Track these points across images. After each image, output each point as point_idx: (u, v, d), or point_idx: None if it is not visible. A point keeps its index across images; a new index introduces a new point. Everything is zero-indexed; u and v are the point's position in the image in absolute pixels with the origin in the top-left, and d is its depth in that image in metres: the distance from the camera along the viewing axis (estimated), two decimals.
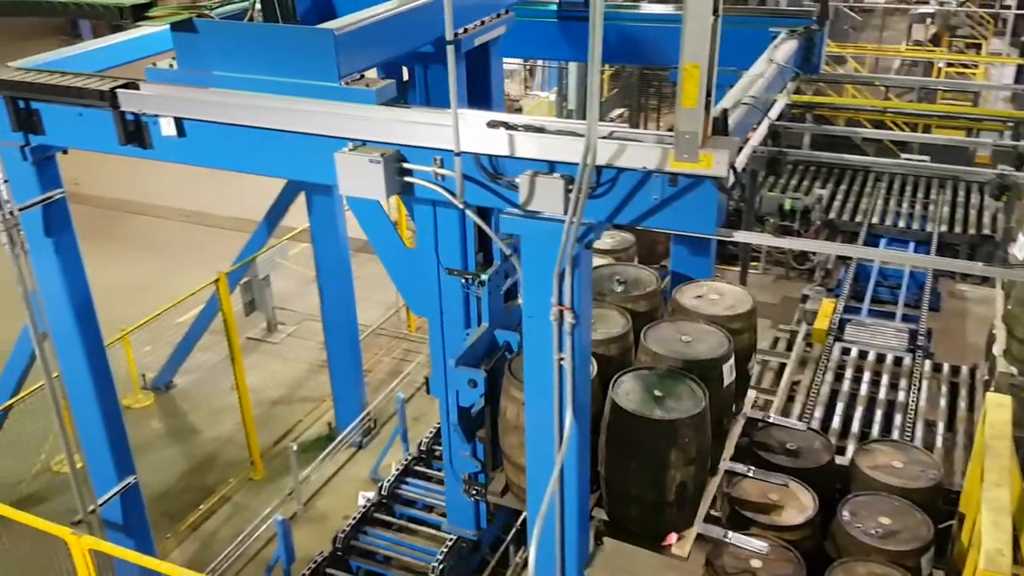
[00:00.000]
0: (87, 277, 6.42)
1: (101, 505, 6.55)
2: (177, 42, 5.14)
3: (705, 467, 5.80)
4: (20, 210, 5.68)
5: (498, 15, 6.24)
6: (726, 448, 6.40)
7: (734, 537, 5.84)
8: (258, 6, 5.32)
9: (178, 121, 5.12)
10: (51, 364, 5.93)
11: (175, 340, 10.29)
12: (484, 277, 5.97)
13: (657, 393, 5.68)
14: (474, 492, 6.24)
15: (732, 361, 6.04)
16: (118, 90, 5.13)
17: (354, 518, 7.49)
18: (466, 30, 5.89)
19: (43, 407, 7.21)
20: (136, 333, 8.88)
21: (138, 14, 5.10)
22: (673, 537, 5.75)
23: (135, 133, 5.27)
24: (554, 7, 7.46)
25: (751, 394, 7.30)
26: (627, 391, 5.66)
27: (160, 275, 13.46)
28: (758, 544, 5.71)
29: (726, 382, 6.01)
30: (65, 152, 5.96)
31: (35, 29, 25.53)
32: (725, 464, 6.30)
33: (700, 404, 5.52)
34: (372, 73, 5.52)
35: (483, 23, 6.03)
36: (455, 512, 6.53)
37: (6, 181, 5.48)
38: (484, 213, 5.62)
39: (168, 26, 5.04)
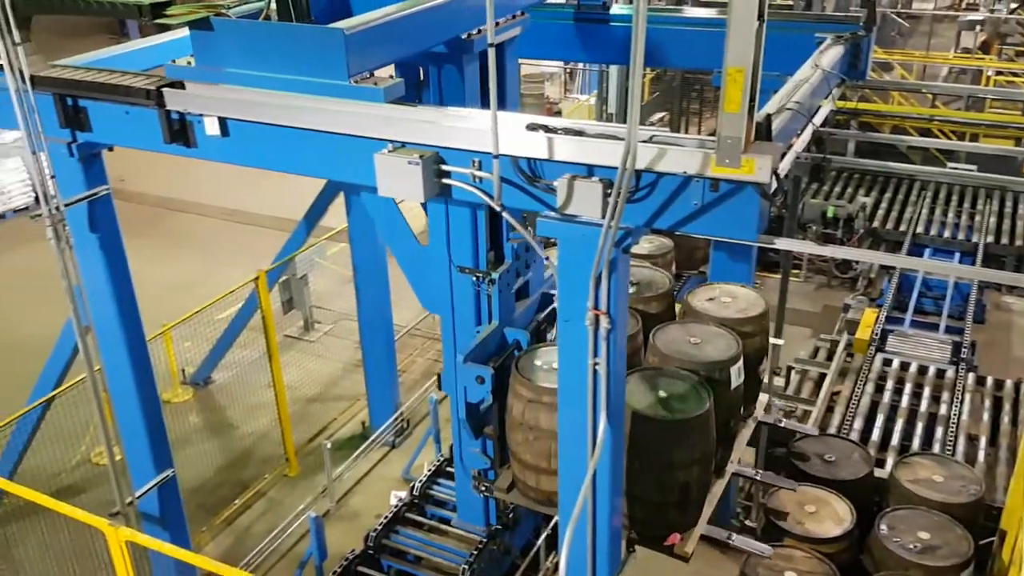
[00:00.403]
0: (130, 272, 6.53)
1: (139, 497, 6.63)
2: (194, 40, 5.23)
3: (709, 468, 5.77)
4: (66, 205, 5.77)
5: (514, 16, 6.30)
6: (734, 451, 6.38)
7: (737, 539, 5.82)
8: (273, 5, 5.40)
9: (222, 121, 5.17)
10: (93, 357, 6.01)
11: (215, 336, 10.42)
12: (494, 276, 6.03)
13: (662, 394, 5.68)
14: (483, 489, 6.30)
15: (740, 364, 6.00)
16: (164, 89, 5.20)
17: (386, 517, 7.51)
18: (480, 31, 5.96)
19: (84, 399, 7.34)
20: (177, 328, 9.00)
21: (156, 12, 5.21)
22: (676, 537, 5.72)
23: (180, 132, 5.34)
24: (571, 9, 7.50)
25: (777, 401, 7.27)
26: (632, 391, 5.62)
27: (201, 272, 13.66)
28: (760, 547, 5.67)
29: (733, 384, 5.97)
30: (111, 149, 6.05)
31: (83, 28, 26.05)
32: (732, 467, 6.29)
33: (704, 405, 5.50)
34: (390, 70, 5.55)
35: (498, 24, 6.07)
36: (465, 508, 6.60)
37: (53, 177, 5.56)
38: (495, 213, 5.72)
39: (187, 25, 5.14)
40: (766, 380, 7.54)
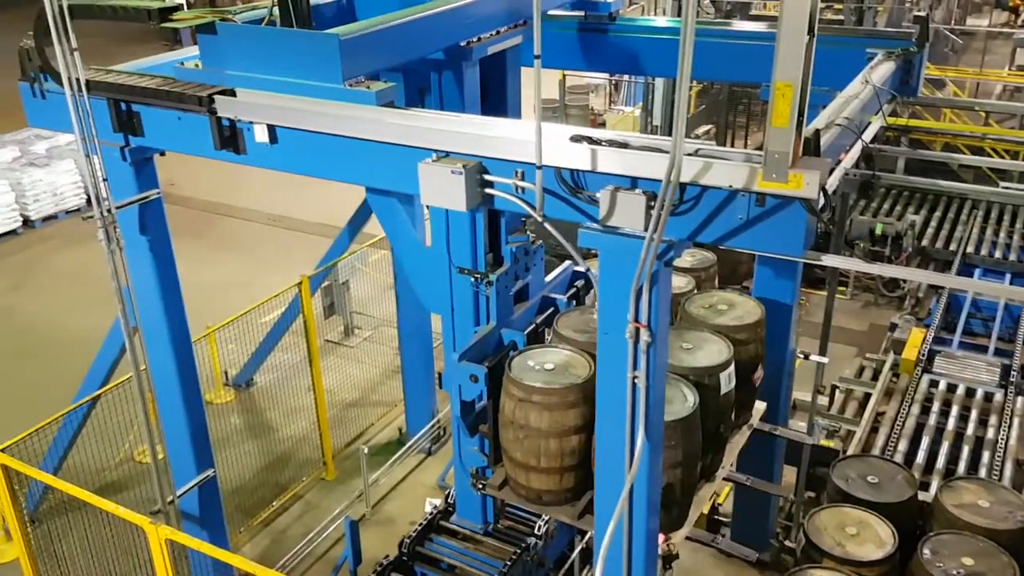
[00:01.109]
0: (178, 275, 6.65)
1: (180, 496, 6.73)
2: (201, 43, 5.49)
3: (694, 471, 5.85)
4: (118, 208, 5.90)
5: (515, 25, 6.44)
6: (727, 456, 6.44)
7: (723, 543, 5.83)
8: (276, 12, 5.61)
9: (271, 128, 5.26)
10: (140, 358, 6.12)
11: (258, 339, 10.55)
12: (492, 278, 6.18)
13: None
14: (480, 487, 6.38)
15: (731, 370, 6.05)
16: (216, 96, 5.30)
17: (420, 524, 7.52)
18: (480, 39, 6.10)
19: (128, 398, 7.47)
20: (221, 330, 9.14)
21: (164, 16, 5.48)
22: (660, 538, 5.79)
23: (230, 138, 5.43)
24: (576, 21, 7.61)
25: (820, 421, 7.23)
26: None
27: (246, 275, 13.86)
28: (745, 551, 5.60)
29: (723, 390, 6.04)
30: (163, 154, 6.18)
31: (137, 34, 26.67)
32: (724, 472, 6.38)
33: (689, 409, 5.59)
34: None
35: (498, 32, 6.25)
36: (464, 505, 6.74)
37: (106, 180, 5.67)
38: (494, 216, 6.09)
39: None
40: (809, 398, 7.44)
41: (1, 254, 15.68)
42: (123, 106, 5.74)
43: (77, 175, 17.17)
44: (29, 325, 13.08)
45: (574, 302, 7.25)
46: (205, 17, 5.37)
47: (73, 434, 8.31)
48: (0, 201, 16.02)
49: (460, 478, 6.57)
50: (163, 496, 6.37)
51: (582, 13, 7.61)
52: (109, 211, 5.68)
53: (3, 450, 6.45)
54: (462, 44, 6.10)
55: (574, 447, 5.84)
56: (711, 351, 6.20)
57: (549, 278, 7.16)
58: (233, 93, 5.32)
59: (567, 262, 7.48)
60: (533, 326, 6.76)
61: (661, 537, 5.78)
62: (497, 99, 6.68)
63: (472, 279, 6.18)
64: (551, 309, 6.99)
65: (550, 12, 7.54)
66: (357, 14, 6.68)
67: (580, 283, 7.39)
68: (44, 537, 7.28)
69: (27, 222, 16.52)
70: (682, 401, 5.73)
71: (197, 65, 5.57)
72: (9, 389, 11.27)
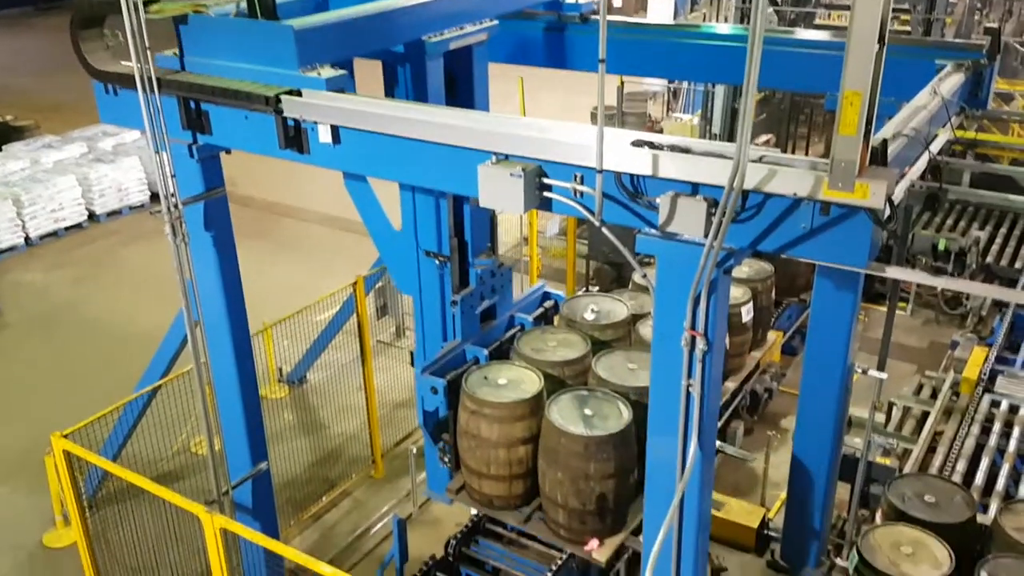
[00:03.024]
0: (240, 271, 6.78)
1: (234, 487, 6.85)
2: (179, 32, 5.87)
3: (627, 482, 6.28)
4: (184, 203, 6.05)
5: (481, 22, 6.65)
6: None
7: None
8: (243, 5, 5.92)
9: (334, 129, 5.35)
10: (201, 351, 6.25)
11: (312, 337, 10.70)
12: (456, 298, 6.91)
13: (587, 412, 6.30)
14: (446, 461, 6.94)
15: None
16: (282, 96, 5.40)
17: (466, 526, 7.55)
18: (441, 34, 6.31)
19: (186, 391, 7.63)
20: (276, 327, 9.29)
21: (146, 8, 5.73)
22: (594, 543, 6.33)
23: (294, 138, 5.53)
24: (545, 21, 7.78)
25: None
26: (561, 408, 6.34)
27: (302, 275, 14.08)
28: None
29: None
30: (228, 152, 6.32)
31: None
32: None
33: (623, 424, 6.12)
34: None
35: (461, 29, 6.49)
36: (434, 480, 7.18)
37: (173, 176, 5.82)
38: (459, 202, 6.63)
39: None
40: (866, 415, 7.31)
41: (67, 247, 16.16)
42: (192, 104, 5.88)
43: (142, 172, 17.62)
44: (93, 317, 13.45)
45: (542, 322, 7.82)
46: (185, 9, 5.79)
47: (132, 424, 8.51)
48: (68, 195, 16.50)
49: (433, 476, 7.16)
50: (219, 487, 6.49)
51: (555, 14, 7.80)
52: (176, 206, 5.82)
53: (65, 436, 6.63)
54: (424, 39, 6.27)
55: (521, 457, 6.47)
56: None
57: (518, 299, 7.80)
58: (299, 93, 5.42)
59: (539, 283, 8.26)
60: (498, 343, 7.35)
61: (595, 542, 6.31)
62: (465, 94, 6.86)
63: (437, 262, 6.72)
64: (515, 328, 7.62)
65: (526, 10, 7.75)
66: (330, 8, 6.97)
67: (549, 303, 7.99)
68: (101, 523, 7.47)
69: (92, 216, 17.01)
70: (618, 417, 6.24)
71: (175, 53, 5.96)
72: (72, 379, 11.61)
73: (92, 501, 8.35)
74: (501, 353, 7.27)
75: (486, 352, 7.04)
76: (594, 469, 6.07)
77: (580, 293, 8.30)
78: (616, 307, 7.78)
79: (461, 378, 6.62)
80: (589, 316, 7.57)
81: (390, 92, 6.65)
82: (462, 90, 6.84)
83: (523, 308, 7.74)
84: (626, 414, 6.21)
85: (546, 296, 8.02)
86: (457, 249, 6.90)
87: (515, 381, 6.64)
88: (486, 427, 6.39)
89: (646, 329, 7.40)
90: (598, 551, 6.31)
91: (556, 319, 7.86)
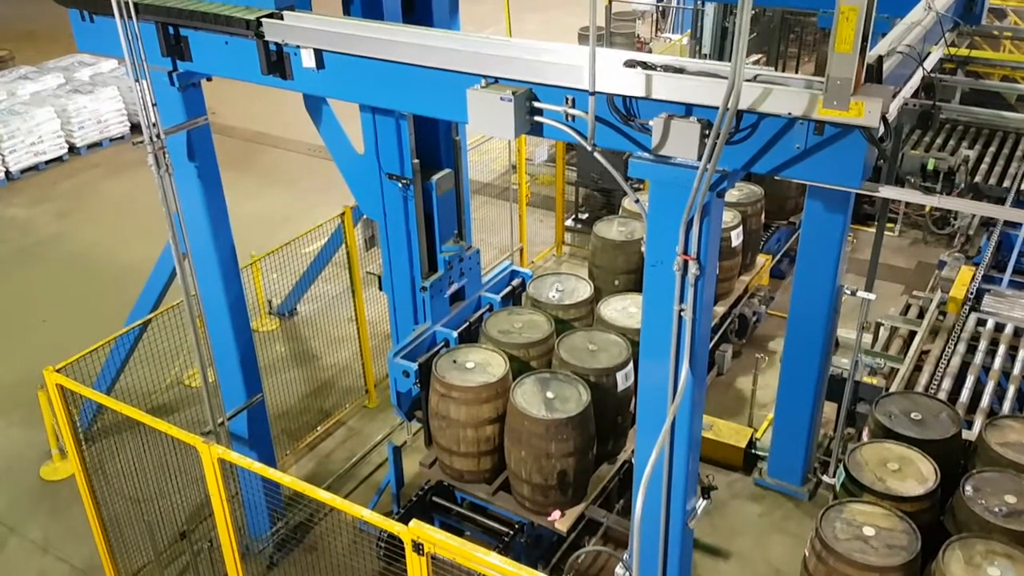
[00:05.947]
0: (226, 202, 6.69)
1: (230, 418, 6.90)
2: None
3: (586, 459, 6.64)
4: (166, 133, 5.92)
5: None
6: (629, 441, 7.24)
7: (612, 519, 6.95)
8: None
9: (318, 53, 5.21)
10: (190, 283, 6.20)
11: (300, 269, 10.65)
12: (426, 284, 7.13)
13: (550, 395, 6.58)
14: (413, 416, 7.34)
15: (629, 368, 6.87)
16: (263, 20, 5.25)
17: None
18: None
19: (177, 323, 7.61)
20: (264, 260, 9.23)
21: None
22: (556, 514, 6.68)
23: (277, 63, 5.40)
24: None
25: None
26: (524, 391, 6.60)
27: (289, 206, 13.95)
28: None
29: (620, 387, 6.88)
30: (210, 79, 6.17)
31: None
32: (626, 455, 7.22)
33: (581, 407, 6.42)
34: None
35: None
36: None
37: (155, 104, 5.68)
38: (419, 123, 6.63)
39: None
40: (854, 335, 7.38)
41: (49, 181, 15.92)
42: (171, 30, 5.72)
43: (121, 103, 17.27)
44: (79, 252, 13.34)
45: (510, 301, 8.10)
46: None
47: (124, 357, 8.51)
48: (46, 128, 16.18)
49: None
50: (214, 418, 6.52)
51: None
52: (158, 136, 5.70)
53: (58, 370, 6.62)
54: None
55: (488, 436, 6.74)
56: (612, 352, 7.00)
57: (486, 279, 8.01)
58: (281, 17, 5.27)
59: (506, 262, 8.50)
60: (467, 324, 7.58)
61: (557, 513, 6.66)
62: (423, 10, 6.57)
63: (399, 184, 6.74)
64: (483, 309, 7.83)
65: None
66: None
67: (516, 282, 8.21)
68: (98, 455, 7.52)
69: (72, 149, 16.71)
70: (577, 400, 6.53)
71: None
72: (60, 313, 11.57)
73: (88, 434, 8.40)
74: (470, 334, 7.54)
75: (455, 334, 7.29)
76: (555, 448, 6.41)
77: (545, 273, 8.56)
78: (580, 286, 8.09)
79: (431, 362, 6.87)
80: (554, 295, 7.91)
81: (347, 11, 6.42)
82: (419, 8, 6.56)
83: (491, 288, 8.02)
84: (585, 396, 6.52)
85: (514, 274, 8.28)
86: (419, 171, 6.87)
87: (482, 364, 6.90)
88: (455, 409, 6.68)
89: (607, 309, 7.70)
90: (560, 521, 6.70)
91: (523, 297, 8.10)
